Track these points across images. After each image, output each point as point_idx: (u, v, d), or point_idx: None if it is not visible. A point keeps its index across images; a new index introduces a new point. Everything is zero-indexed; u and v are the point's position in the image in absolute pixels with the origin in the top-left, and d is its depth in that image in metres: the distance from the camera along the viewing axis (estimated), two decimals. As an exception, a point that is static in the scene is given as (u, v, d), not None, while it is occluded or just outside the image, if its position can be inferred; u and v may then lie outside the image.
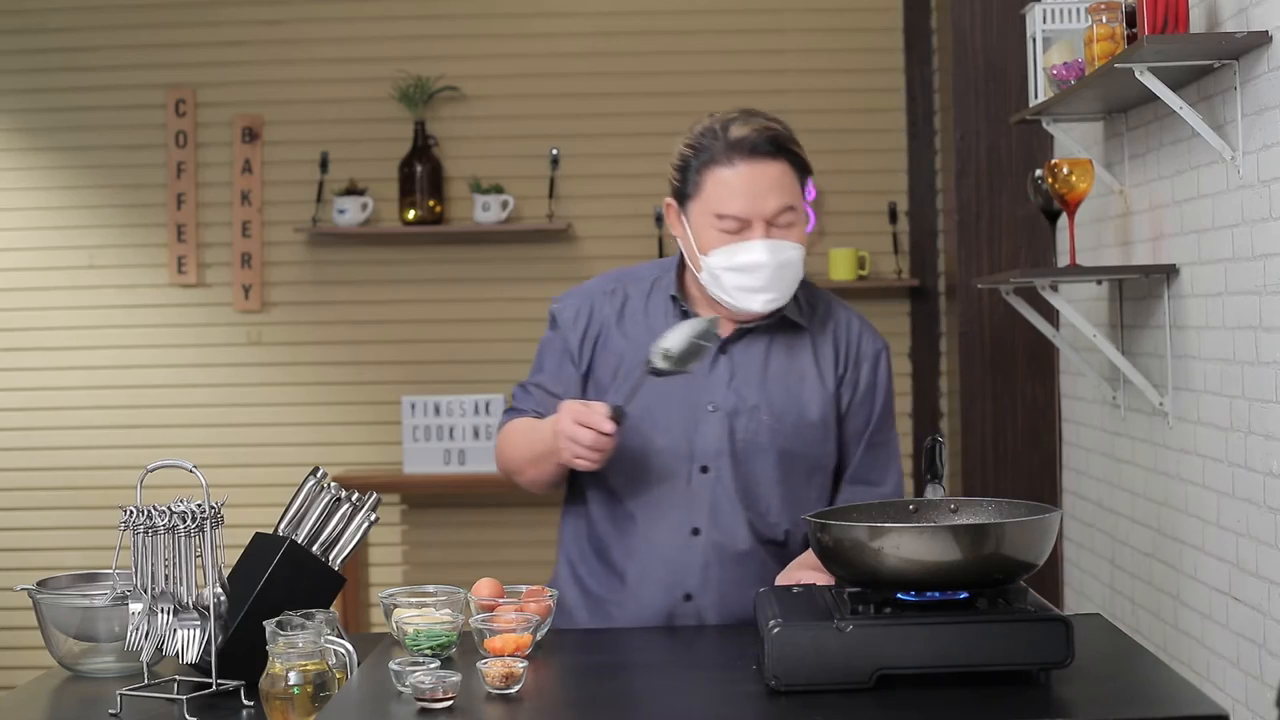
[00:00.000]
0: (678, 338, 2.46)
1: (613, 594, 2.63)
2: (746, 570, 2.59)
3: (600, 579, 2.65)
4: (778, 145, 2.55)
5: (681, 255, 2.68)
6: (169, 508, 2.33)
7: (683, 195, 2.61)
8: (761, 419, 2.60)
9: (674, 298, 2.65)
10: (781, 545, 2.63)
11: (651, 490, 2.61)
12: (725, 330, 2.63)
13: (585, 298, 2.72)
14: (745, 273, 2.54)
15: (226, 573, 2.40)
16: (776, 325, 2.64)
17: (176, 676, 2.39)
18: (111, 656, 2.52)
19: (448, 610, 2.40)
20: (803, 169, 2.59)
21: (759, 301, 2.56)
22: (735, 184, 2.54)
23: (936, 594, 2.10)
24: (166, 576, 2.31)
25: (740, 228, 2.54)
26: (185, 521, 2.32)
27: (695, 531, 2.60)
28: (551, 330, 2.74)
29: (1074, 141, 3.83)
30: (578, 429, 2.46)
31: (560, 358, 2.70)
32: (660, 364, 2.46)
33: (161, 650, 2.33)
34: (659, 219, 5.74)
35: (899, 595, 2.11)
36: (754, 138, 2.54)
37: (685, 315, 2.63)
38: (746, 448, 2.60)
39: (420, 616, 2.38)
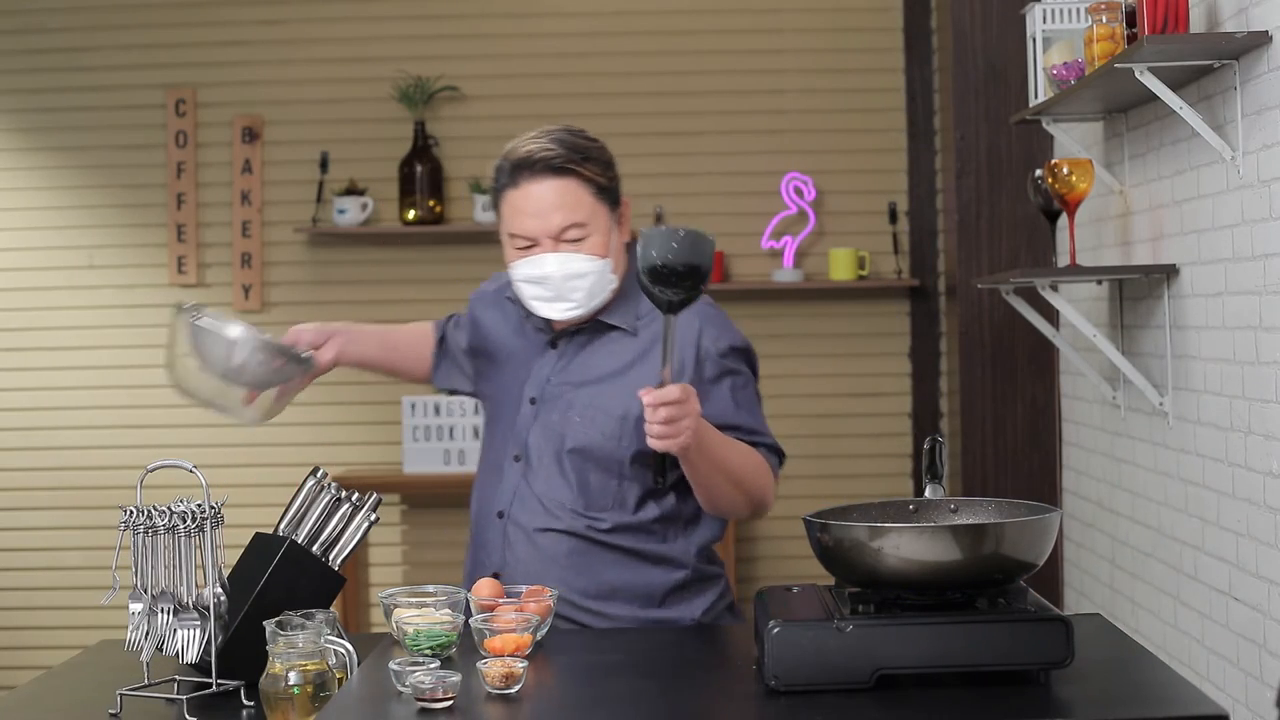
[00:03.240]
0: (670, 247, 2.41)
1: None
2: (546, 548, 2.68)
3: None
4: (558, 162, 2.62)
5: None
6: (169, 508, 2.33)
7: (498, 219, 2.73)
8: (572, 417, 2.68)
9: (509, 299, 2.81)
10: (583, 535, 2.68)
11: (487, 477, 2.78)
12: (556, 327, 2.75)
13: (485, 288, 2.93)
14: (537, 284, 2.65)
15: (226, 573, 2.40)
16: (599, 327, 2.72)
17: (176, 676, 2.39)
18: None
19: (448, 610, 2.40)
20: (596, 186, 2.64)
21: (555, 310, 2.67)
22: (519, 204, 2.64)
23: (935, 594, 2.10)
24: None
25: (529, 245, 2.65)
26: (185, 521, 2.32)
27: (500, 515, 2.73)
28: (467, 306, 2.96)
29: (1074, 141, 3.84)
30: None
31: (464, 326, 2.93)
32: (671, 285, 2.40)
33: (161, 650, 2.33)
34: (659, 219, 5.74)
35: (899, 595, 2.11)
36: (535, 156, 2.62)
37: (525, 315, 2.77)
38: (552, 439, 2.69)
39: (420, 616, 2.38)
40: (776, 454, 2.71)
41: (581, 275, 2.62)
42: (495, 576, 2.66)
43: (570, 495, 2.67)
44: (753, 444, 2.66)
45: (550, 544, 2.66)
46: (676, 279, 2.38)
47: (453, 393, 2.99)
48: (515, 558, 2.69)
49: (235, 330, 2.70)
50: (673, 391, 2.41)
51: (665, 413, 2.41)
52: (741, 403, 2.69)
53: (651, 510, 2.67)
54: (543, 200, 2.62)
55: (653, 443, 2.44)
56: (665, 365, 2.42)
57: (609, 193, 2.66)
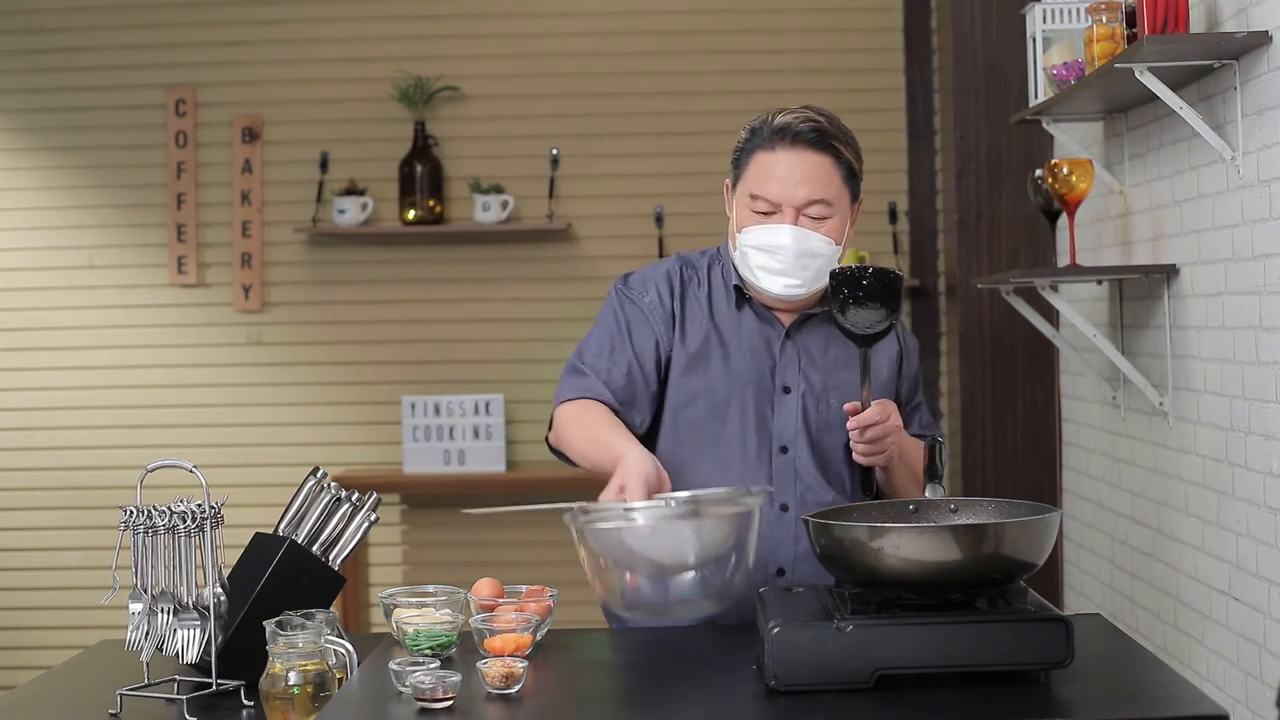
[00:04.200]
0: (864, 299, 2.53)
1: None
2: None
3: None
4: (820, 136, 2.62)
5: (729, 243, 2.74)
6: (169, 508, 2.33)
7: (735, 177, 2.69)
8: (830, 401, 2.66)
9: (737, 287, 2.69)
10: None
11: (733, 473, 2.63)
12: (786, 319, 2.69)
13: (653, 278, 2.72)
14: (768, 253, 2.60)
15: (226, 573, 2.40)
16: (831, 317, 2.66)
17: (176, 676, 2.39)
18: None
19: (448, 610, 2.40)
20: (848, 169, 2.66)
21: (779, 284, 2.61)
22: (771, 168, 2.61)
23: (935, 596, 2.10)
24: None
25: (770, 210, 2.60)
26: (185, 521, 2.32)
27: (784, 508, 2.64)
28: (627, 305, 2.69)
29: (1074, 141, 3.84)
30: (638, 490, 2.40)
31: (645, 331, 2.67)
32: (864, 332, 2.53)
33: (161, 650, 2.33)
34: (659, 219, 5.74)
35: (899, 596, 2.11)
36: (797, 125, 2.61)
37: (748, 301, 2.68)
38: (821, 428, 2.65)
39: (420, 616, 2.38)
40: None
41: (815, 255, 2.60)
42: (780, 574, 2.60)
43: (831, 489, 2.65)
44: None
45: None
46: (869, 316, 2.51)
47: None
48: (805, 552, 2.58)
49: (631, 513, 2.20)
50: (873, 414, 2.51)
51: (872, 433, 2.51)
52: (926, 406, 2.81)
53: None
54: (796, 169, 2.60)
55: (860, 459, 2.55)
56: (865, 388, 2.53)
57: (856, 180, 2.68)
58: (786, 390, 2.66)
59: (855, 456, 2.56)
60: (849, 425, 2.53)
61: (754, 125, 2.66)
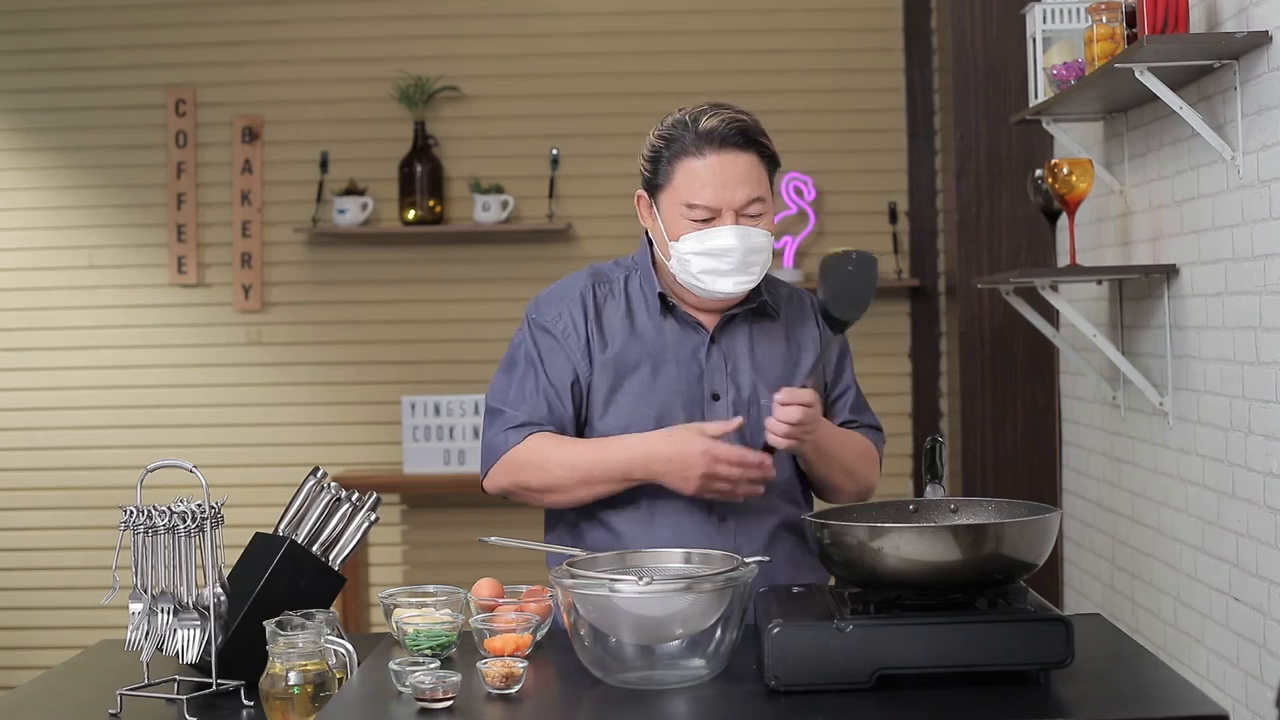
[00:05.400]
0: (849, 285, 2.51)
1: None
2: (778, 544, 2.63)
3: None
4: (746, 137, 2.59)
5: (651, 250, 2.71)
6: (169, 508, 2.33)
7: (654, 186, 2.64)
8: (762, 403, 2.64)
9: (661, 295, 2.67)
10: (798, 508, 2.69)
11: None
12: (709, 323, 2.67)
13: (565, 300, 2.69)
14: (715, 257, 2.58)
15: (226, 573, 2.40)
16: (752, 314, 2.69)
17: (176, 676, 2.39)
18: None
19: (448, 610, 2.40)
20: (771, 161, 2.64)
21: (729, 283, 2.60)
22: (705, 175, 2.58)
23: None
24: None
25: (710, 217, 2.58)
26: (185, 521, 2.32)
27: (723, 519, 2.62)
28: (539, 334, 2.68)
29: (1074, 141, 3.84)
30: (733, 469, 2.50)
31: (560, 361, 2.65)
32: (849, 316, 2.52)
33: (161, 650, 2.33)
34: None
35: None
36: (723, 129, 2.58)
37: (671, 309, 2.66)
38: (754, 432, 2.62)
39: (420, 616, 2.38)
40: (880, 433, 2.81)
41: (759, 250, 2.60)
42: None
43: (772, 494, 2.63)
44: (861, 427, 2.75)
45: (785, 534, 2.65)
46: (855, 304, 2.51)
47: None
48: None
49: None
50: (809, 394, 2.51)
51: (799, 414, 2.50)
52: (859, 390, 2.81)
53: None
54: (730, 173, 2.57)
55: (775, 440, 2.52)
56: (812, 375, 2.56)
57: (776, 165, 2.66)
58: (715, 398, 2.65)
59: (771, 437, 2.51)
60: (779, 398, 2.50)
61: (668, 132, 2.61)
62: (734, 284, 2.60)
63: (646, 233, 2.71)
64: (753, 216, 2.59)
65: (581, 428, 2.66)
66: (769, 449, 2.53)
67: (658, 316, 2.66)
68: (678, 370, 2.63)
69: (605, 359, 2.64)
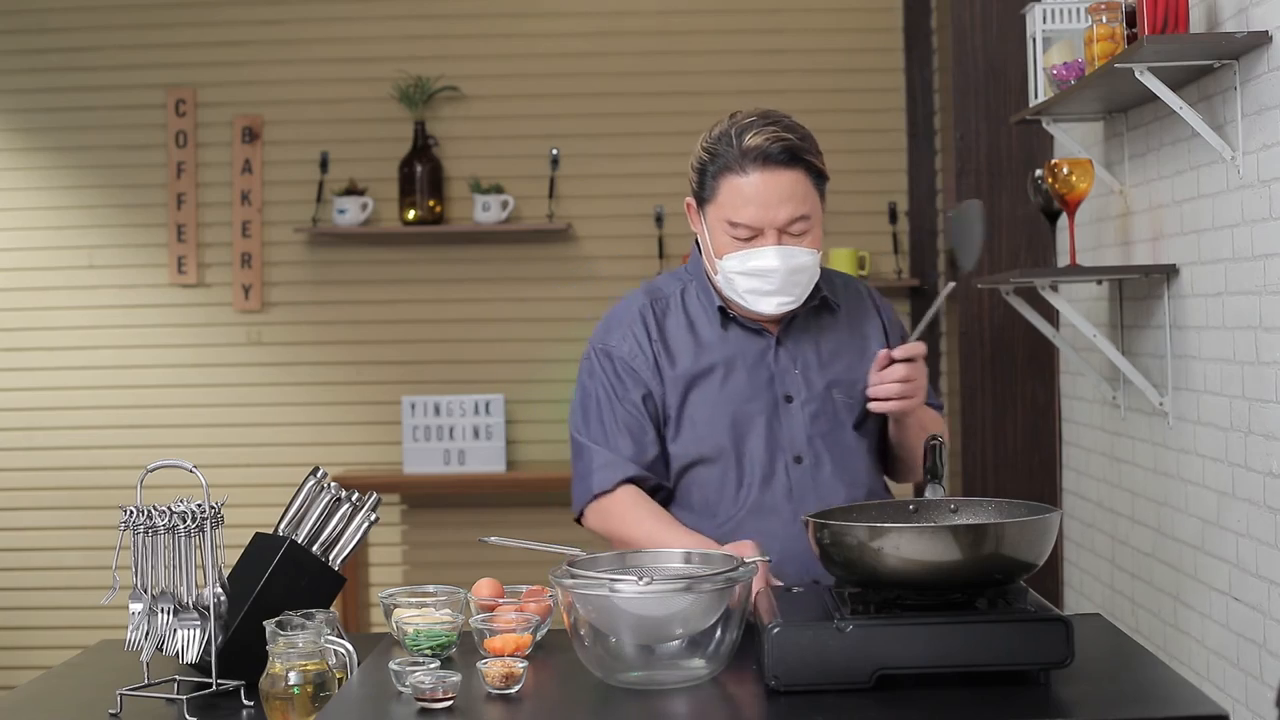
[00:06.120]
0: (962, 232, 2.57)
1: None
2: None
3: None
4: (792, 154, 2.55)
5: (702, 262, 2.70)
6: (169, 508, 2.33)
7: (700, 198, 2.63)
8: (835, 398, 2.65)
9: (721, 308, 2.66)
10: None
11: (752, 494, 2.62)
12: (773, 326, 2.67)
13: (626, 322, 2.68)
14: (757, 277, 2.57)
15: (226, 573, 2.40)
16: (813, 310, 2.68)
17: (176, 676, 2.39)
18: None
19: (448, 610, 2.40)
20: (819, 176, 2.60)
21: (771, 304, 2.59)
22: (748, 192, 2.54)
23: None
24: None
25: (752, 235, 2.56)
26: (185, 521, 2.32)
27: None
28: (606, 360, 2.67)
29: (1074, 141, 3.83)
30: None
31: (632, 384, 2.65)
32: (964, 261, 2.58)
33: (162, 650, 2.33)
34: (659, 219, 5.74)
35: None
36: (767, 146, 2.54)
37: (734, 322, 2.66)
38: (831, 429, 2.63)
39: (420, 616, 2.38)
40: (943, 410, 2.84)
41: (803, 270, 2.58)
42: (816, 584, 2.55)
43: (854, 488, 2.64)
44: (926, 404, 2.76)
45: None
46: (966, 249, 2.59)
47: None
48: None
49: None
50: (921, 346, 2.55)
51: (909, 370, 2.55)
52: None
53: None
54: (774, 191, 2.54)
55: (886, 405, 2.55)
56: (917, 330, 2.61)
57: (824, 180, 2.62)
58: (789, 399, 2.64)
59: (880, 404, 2.55)
60: (897, 354, 2.54)
61: (713, 145, 2.58)
62: (776, 305, 2.59)
63: (697, 240, 2.71)
64: (796, 235, 2.56)
65: (663, 443, 2.65)
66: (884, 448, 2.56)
67: (719, 327, 2.66)
68: (747, 376, 2.63)
69: (675, 375, 2.64)
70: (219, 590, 2.33)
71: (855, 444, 2.66)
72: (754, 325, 2.66)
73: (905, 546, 2.06)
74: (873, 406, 2.57)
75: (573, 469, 2.71)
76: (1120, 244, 3.84)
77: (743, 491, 2.62)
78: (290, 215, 5.78)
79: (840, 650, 2.03)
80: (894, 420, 2.67)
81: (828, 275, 2.74)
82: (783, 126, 2.58)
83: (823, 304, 2.69)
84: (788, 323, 2.67)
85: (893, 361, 2.57)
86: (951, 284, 2.65)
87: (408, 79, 5.68)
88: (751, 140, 2.54)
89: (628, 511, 2.63)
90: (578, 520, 2.72)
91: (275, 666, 2.17)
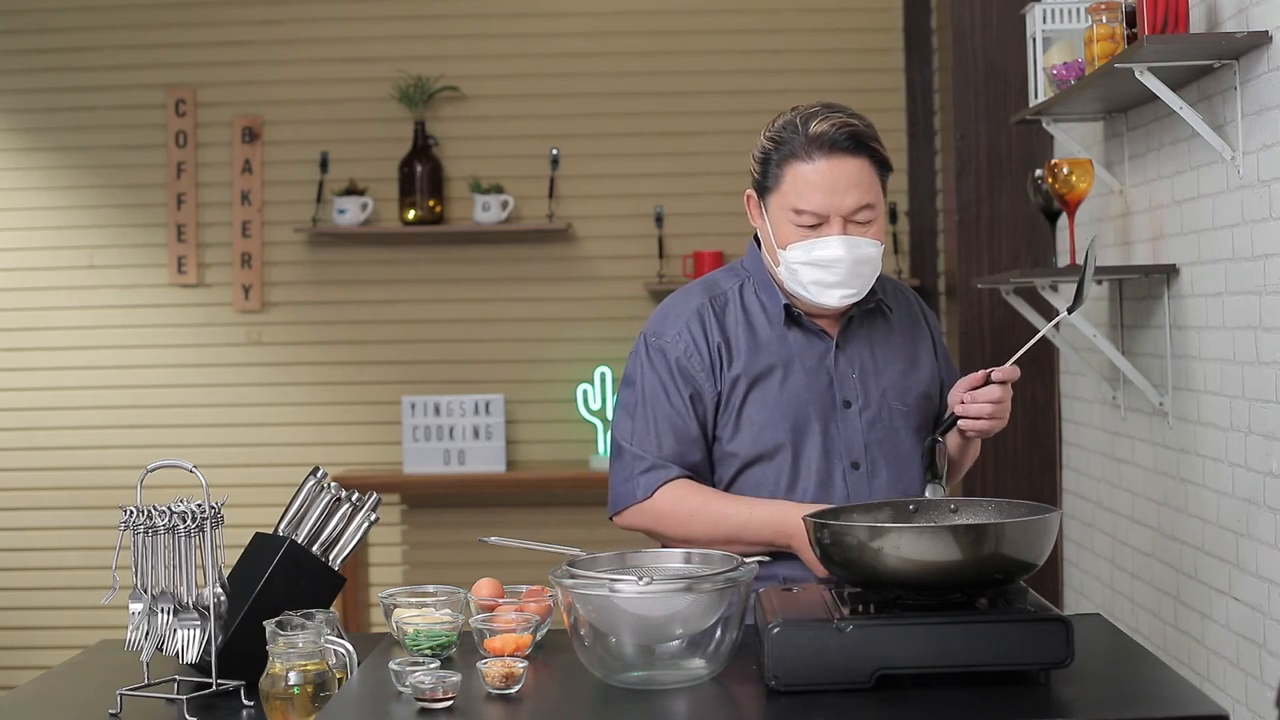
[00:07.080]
0: (1088, 273, 2.54)
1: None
2: None
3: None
4: (857, 142, 2.53)
5: (763, 259, 2.67)
6: (169, 508, 2.33)
7: (763, 188, 2.60)
8: (891, 404, 2.63)
9: (787, 306, 2.63)
10: None
11: (808, 494, 2.59)
12: (832, 329, 2.64)
13: (683, 318, 2.64)
14: (822, 268, 2.54)
15: (226, 573, 2.40)
16: (868, 315, 2.66)
17: (176, 676, 2.39)
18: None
19: (448, 610, 2.40)
20: (883, 166, 2.58)
21: (835, 296, 2.56)
22: (814, 179, 2.52)
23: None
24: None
25: (817, 223, 2.54)
26: (185, 521, 2.32)
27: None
28: (658, 357, 2.63)
29: (1074, 141, 3.83)
30: None
31: (683, 383, 2.61)
32: (1075, 303, 2.54)
33: (162, 650, 2.33)
34: (659, 219, 5.74)
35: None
36: (833, 133, 2.52)
37: (796, 320, 2.62)
38: (888, 434, 2.62)
39: (420, 616, 2.38)
40: None
41: (868, 261, 2.55)
42: None
43: (907, 496, 2.61)
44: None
45: None
46: (1079, 290, 2.52)
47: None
48: None
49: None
50: (1017, 371, 2.51)
51: (1002, 392, 2.51)
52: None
53: None
54: (839, 178, 2.51)
55: (977, 424, 2.52)
56: (1016, 356, 2.54)
57: (888, 170, 2.59)
58: (847, 404, 2.61)
59: (971, 423, 2.51)
60: (995, 376, 2.50)
61: (778, 134, 2.56)
62: (840, 297, 2.56)
63: (755, 235, 2.68)
64: (862, 224, 2.54)
65: (710, 445, 2.62)
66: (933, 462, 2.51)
67: (780, 326, 2.62)
68: (807, 379, 2.60)
69: (732, 374, 2.60)
70: (219, 590, 2.33)
71: (909, 453, 2.64)
72: (814, 327, 2.62)
73: (905, 546, 2.06)
74: (964, 425, 2.53)
75: (611, 468, 2.67)
76: (1120, 244, 3.84)
77: (797, 495, 2.58)
78: (290, 215, 5.78)
79: (840, 650, 2.03)
80: (962, 435, 2.63)
81: (880, 278, 2.70)
82: (847, 114, 2.57)
83: (877, 307, 2.67)
84: (844, 326, 2.64)
85: (988, 381, 2.53)
86: (1062, 314, 2.60)
87: (408, 79, 5.68)
88: (817, 127, 2.53)
89: (692, 504, 2.58)
90: (610, 519, 2.69)
91: (275, 666, 2.17)
